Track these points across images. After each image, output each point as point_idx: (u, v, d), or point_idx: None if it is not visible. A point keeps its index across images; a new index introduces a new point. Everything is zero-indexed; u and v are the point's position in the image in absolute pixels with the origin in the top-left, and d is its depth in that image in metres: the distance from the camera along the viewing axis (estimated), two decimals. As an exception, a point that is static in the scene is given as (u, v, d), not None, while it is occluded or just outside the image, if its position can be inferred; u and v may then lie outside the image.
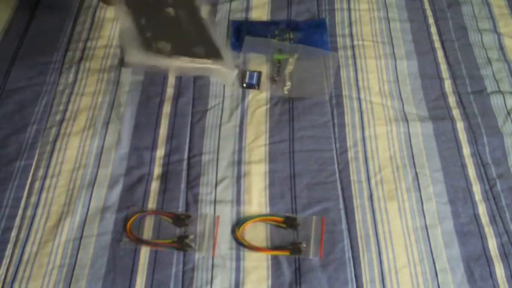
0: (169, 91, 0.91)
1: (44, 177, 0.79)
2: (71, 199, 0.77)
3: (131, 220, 0.74)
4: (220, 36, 0.65)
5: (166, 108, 0.88)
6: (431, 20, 1.04)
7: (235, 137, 0.85)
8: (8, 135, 0.83)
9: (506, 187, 0.80)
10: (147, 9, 0.64)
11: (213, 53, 0.63)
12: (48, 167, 0.80)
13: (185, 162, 0.82)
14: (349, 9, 1.05)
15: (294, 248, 0.72)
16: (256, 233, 0.74)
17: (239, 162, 0.81)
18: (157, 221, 0.75)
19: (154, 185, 0.79)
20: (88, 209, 0.76)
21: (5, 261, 0.71)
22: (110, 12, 1.00)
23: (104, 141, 0.83)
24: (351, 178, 0.80)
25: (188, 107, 0.88)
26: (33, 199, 0.77)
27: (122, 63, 0.92)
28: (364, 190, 0.79)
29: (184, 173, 0.80)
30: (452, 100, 0.91)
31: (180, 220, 0.74)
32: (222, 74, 0.63)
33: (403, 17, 1.04)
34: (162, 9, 0.65)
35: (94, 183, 0.79)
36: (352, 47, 0.98)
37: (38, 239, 0.73)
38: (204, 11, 0.67)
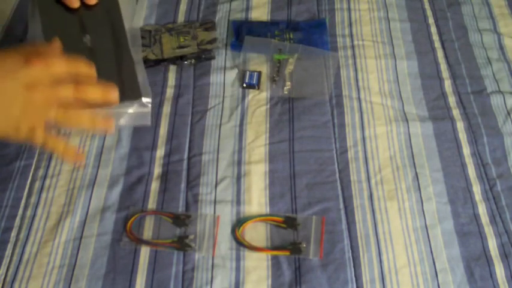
0: (169, 91, 0.91)
1: (44, 177, 0.79)
2: (71, 199, 0.77)
3: (131, 220, 0.74)
4: (140, 63, 0.58)
5: (166, 108, 0.88)
6: (431, 20, 1.04)
7: (235, 137, 0.85)
8: (8, 135, 0.83)
9: (506, 187, 0.80)
10: (63, 39, 0.57)
11: (124, 94, 0.56)
12: (48, 167, 0.80)
13: (185, 162, 0.82)
14: (349, 9, 1.05)
15: (294, 248, 0.72)
16: (256, 233, 0.74)
17: (239, 162, 0.81)
18: (157, 221, 0.75)
19: (154, 185, 0.79)
20: (88, 209, 0.76)
21: (5, 261, 0.71)
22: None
23: (104, 141, 0.83)
24: (351, 178, 0.80)
25: (188, 107, 0.89)
26: (33, 199, 0.77)
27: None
28: (364, 190, 0.79)
29: (184, 173, 0.80)
30: (452, 100, 0.91)
31: (180, 220, 0.74)
32: (132, 116, 0.57)
33: (403, 17, 1.04)
34: (79, 38, 0.58)
35: (94, 183, 0.79)
36: (352, 47, 0.98)
37: (38, 239, 0.73)
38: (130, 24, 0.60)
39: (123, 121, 0.58)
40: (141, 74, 0.58)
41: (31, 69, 0.51)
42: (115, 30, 0.60)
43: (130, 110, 0.57)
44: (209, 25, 0.99)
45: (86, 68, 0.54)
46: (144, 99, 0.57)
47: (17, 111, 0.51)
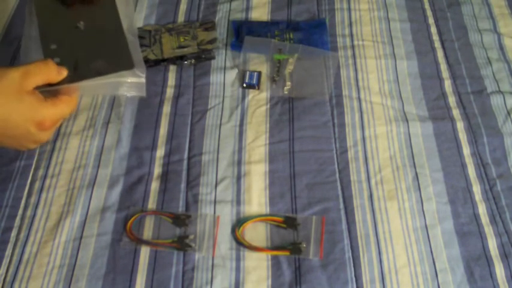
0: (169, 91, 0.91)
1: (44, 177, 0.79)
2: (71, 199, 0.77)
3: (131, 220, 0.74)
4: (135, 41, 0.62)
5: (166, 108, 0.88)
6: (431, 20, 1.04)
7: (235, 137, 0.85)
8: (8, 135, 0.83)
9: (506, 187, 0.80)
10: (57, 26, 0.62)
11: (117, 65, 0.59)
12: (48, 167, 0.80)
13: (185, 162, 0.82)
14: (349, 9, 1.05)
15: (294, 248, 0.72)
16: (256, 233, 0.74)
17: (239, 162, 0.81)
18: (157, 221, 0.75)
19: (154, 185, 0.79)
20: (88, 209, 0.76)
21: (5, 261, 0.71)
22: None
23: (104, 141, 0.83)
24: (351, 178, 0.80)
25: (188, 107, 0.89)
26: (33, 199, 0.77)
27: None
28: (364, 190, 0.79)
29: (184, 173, 0.80)
30: (452, 100, 0.91)
31: (180, 220, 0.74)
32: (128, 86, 0.61)
33: (403, 17, 1.04)
34: (73, 24, 0.63)
35: (94, 183, 0.79)
36: (352, 47, 0.98)
37: (38, 239, 0.73)
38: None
39: (120, 91, 0.60)
40: (136, 54, 0.62)
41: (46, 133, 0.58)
42: (108, 15, 0.64)
43: (126, 79, 0.59)
44: (209, 25, 0.99)
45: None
46: (138, 72, 0.59)
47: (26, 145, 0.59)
